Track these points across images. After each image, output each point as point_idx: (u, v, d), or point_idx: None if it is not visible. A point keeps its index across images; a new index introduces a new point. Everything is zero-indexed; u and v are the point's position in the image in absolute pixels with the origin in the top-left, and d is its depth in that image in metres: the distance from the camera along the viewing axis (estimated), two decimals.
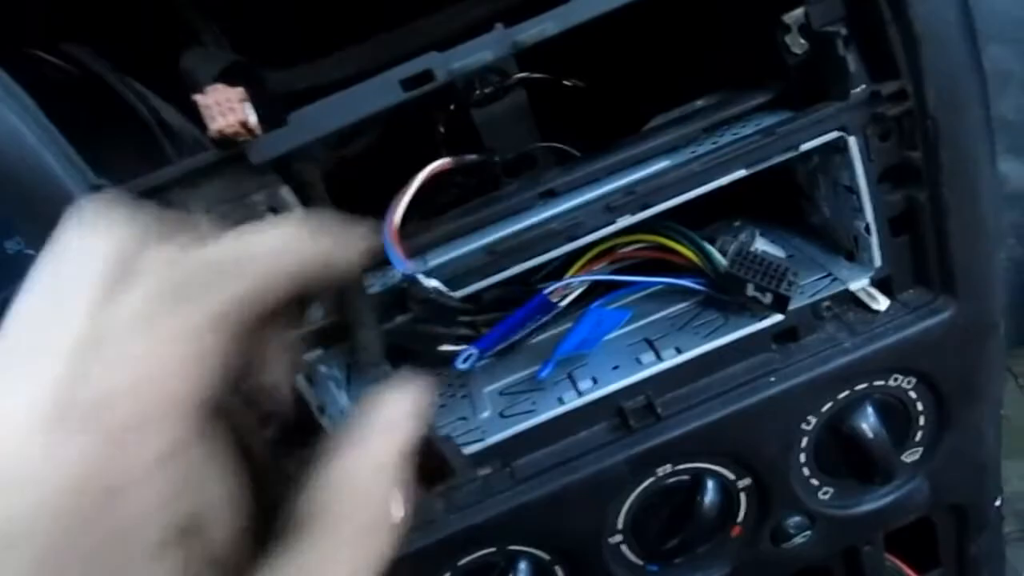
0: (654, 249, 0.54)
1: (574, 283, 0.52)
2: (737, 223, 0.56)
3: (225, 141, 0.40)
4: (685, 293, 0.54)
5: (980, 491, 0.57)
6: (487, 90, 0.65)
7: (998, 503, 0.63)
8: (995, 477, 0.59)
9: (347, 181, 0.49)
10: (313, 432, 0.44)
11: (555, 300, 0.54)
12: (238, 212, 0.43)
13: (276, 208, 0.43)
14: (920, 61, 0.43)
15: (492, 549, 0.51)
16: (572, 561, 0.52)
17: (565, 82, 0.66)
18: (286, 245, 0.28)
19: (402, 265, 0.42)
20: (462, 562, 0.51)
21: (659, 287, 0.55)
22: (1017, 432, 1.32)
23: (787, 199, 0.57)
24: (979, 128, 0.45)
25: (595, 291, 0.56)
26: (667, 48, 0.62)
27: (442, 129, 0.64)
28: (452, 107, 0.64)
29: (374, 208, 0.45)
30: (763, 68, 0.51)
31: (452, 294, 0.44)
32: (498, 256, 0.45)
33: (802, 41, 0.47)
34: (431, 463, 0.36)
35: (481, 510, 0.49)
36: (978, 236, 0.48)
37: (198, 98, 0.39)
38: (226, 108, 0.39)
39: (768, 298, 0.47)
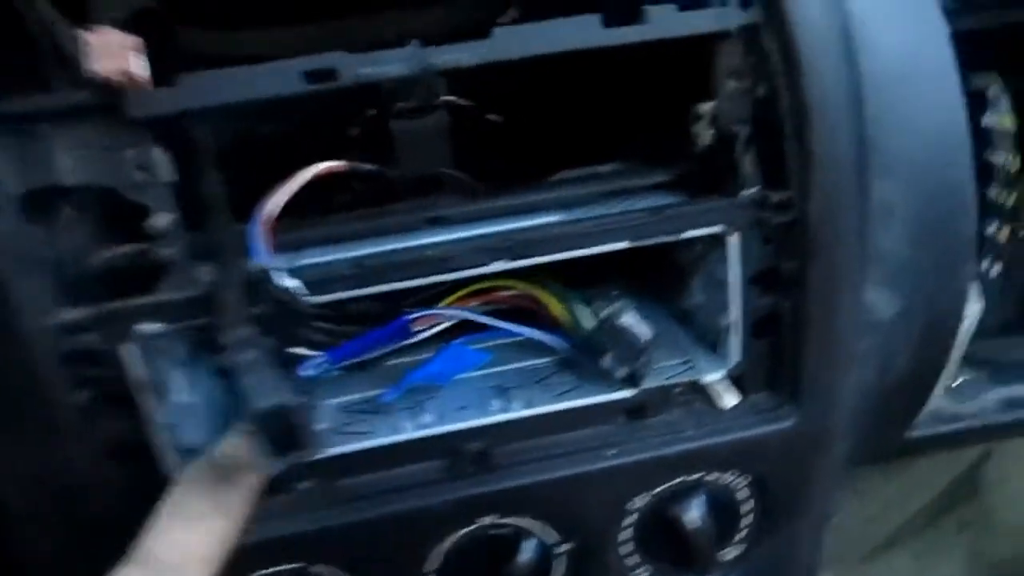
0: (528, 299, 0.54)
1: (440, 314, 0.51)
2: (615, 292, 0.57)
3: (102, 86, 0.37)
4: (549, 349, 0.54)
5: None
6: (411, 104, 0.64)
7: None
8: None
9: (253, 165, 0.47)
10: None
11: (416, 328, 0.53)
12: (105, 162, 0.41)
13: (146, 167, 0.41)
14: (809, 178, 0.44)
15: (295, 567, 0.49)
16: None
17: (489, 116, 0.66)
18: None
19: (260, 256, 0.41)
20: (260, 574, 0.49)
21: (525, 337, 0.55)
22: (850, 545, 1.37)
23: (669, 279, 0.58)
24: (851, 252, 0.47)
25: (464, 328, 0.55)
26: (590, 104, 0.62)
27: (355, 133, 0.63)
28: (371, 114, 0.63)
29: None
30: (672, 149, 0.52)
31: (306, 299, 0.42)
32: (365, 271, 0.44)
33: (710, 132, 0.48)
34: (286, 432, 0.36)
35: (291, 523, 0.47)
36: (831, 353, 0.50)
37: (84, 34, 0.37)
38: (112, 52, 0.37)
39: (622, 372, 0.48)
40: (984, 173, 0.88)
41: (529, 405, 0.49)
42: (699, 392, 0.52)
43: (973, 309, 0.71)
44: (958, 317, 0.60)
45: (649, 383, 0.50)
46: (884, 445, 0.71)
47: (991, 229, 0.90)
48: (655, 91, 0.55)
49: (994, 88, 0.88)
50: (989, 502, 1.39)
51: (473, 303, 0.54)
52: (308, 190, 0.55)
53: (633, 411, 0.50)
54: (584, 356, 0.50)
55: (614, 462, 0.49)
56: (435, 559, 0.50)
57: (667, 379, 0.51)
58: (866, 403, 0.59)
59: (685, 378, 0.51)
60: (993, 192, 0.89)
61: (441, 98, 0.65)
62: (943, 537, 1.38)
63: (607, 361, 0.48)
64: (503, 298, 0.54)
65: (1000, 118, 0.88)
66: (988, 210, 0.88)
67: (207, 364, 0.53)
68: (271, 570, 0.49)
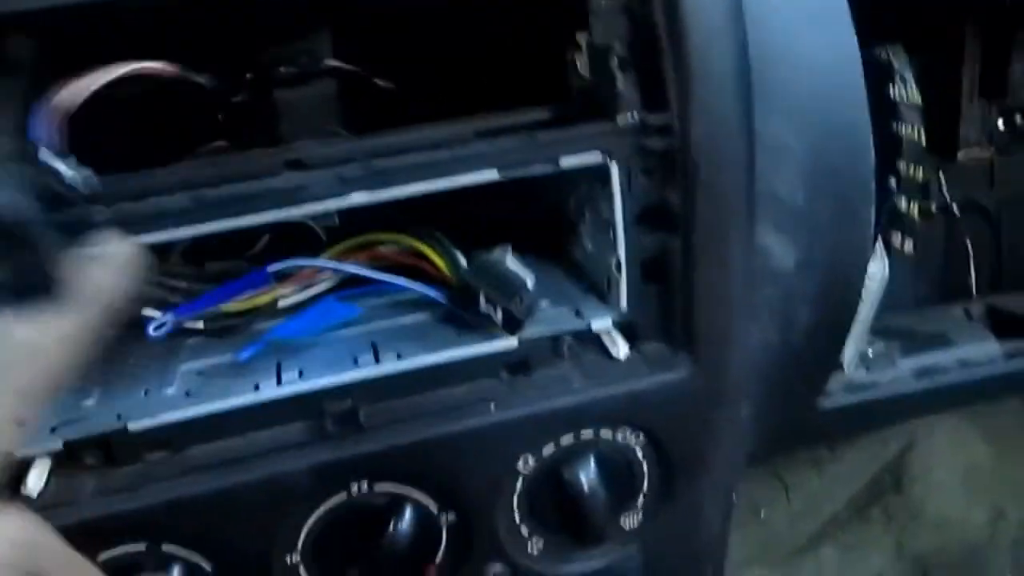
0: (411, 255, 0.50)
1: (305, 266, 0.47)
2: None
3: None
4: (429, 306, 0.50)
5: (695, 568, 0.55)
6: (292, 71, 0.61)
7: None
8: (715, 552, 0.57)
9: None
10: None
11: (285, 289, 0.48)
12: None
13: None
14: (689, 96, 0.41)
15: (142, 547, 0.44)
16: (237, 574, 0.45)
17: (376, 80, 0.62)
18: None
19: (36, 132, 0.35)
20: (105, 555, 0.43)
21: (404, 295, 0.51)
22: (778, 542, 1.35)
23: (560, 233, 0.55)
24: (739, 182, 0.44)
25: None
26: (479, 62, 0.59)
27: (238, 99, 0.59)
28: (249, 77, 0.59)
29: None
30: (552, 89, 0.49)
31: (77, 185, 0.36)
32: (205, 204, 0.39)
33: (588, 64, 0.45)
34: None
35: (135, 497, 0.42)
36: (724, 298, 0.47)
37: None
38: None
39: (499, 315, 0.44)
40: (892, 147, 0.87)
41: (400, 358, 0.45)
42: (587, 344, 0.48)
43: (878, 268, 0.69)
44: (861, 268, 0.58)
45: (533, 332, 0.46)
46: (797, 414, 0.68)
47: (902, 204, 0.89)
48: (537, 31, 0.52)
49: (900, 60, 0.87)
50: (913, 493, 1.39)
51: (352, 260, 0.50)
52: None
53: (515, 364, 0.47)
54: (463, 304, 0.46)
55: (495, 418, 0.45)
56: (302, 537, 0.46)
57: (552, 327, 0.47)
58: (771, 362, 0.56)
59: (572, 326, 0.47)
60: (903, 166, 0.88)
61: (325, 63, 0.61)
62: (870, 529, 1.37)
63: (484, 304, 0.44)
64: (384, 254, 0.51)
65: (907, 91, 0.88)
66: (899, 185, 0.88)
67: None
68: (116, 551, 0.43)
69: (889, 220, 0.79)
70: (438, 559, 0.49)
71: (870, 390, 0.76)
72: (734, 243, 0.46)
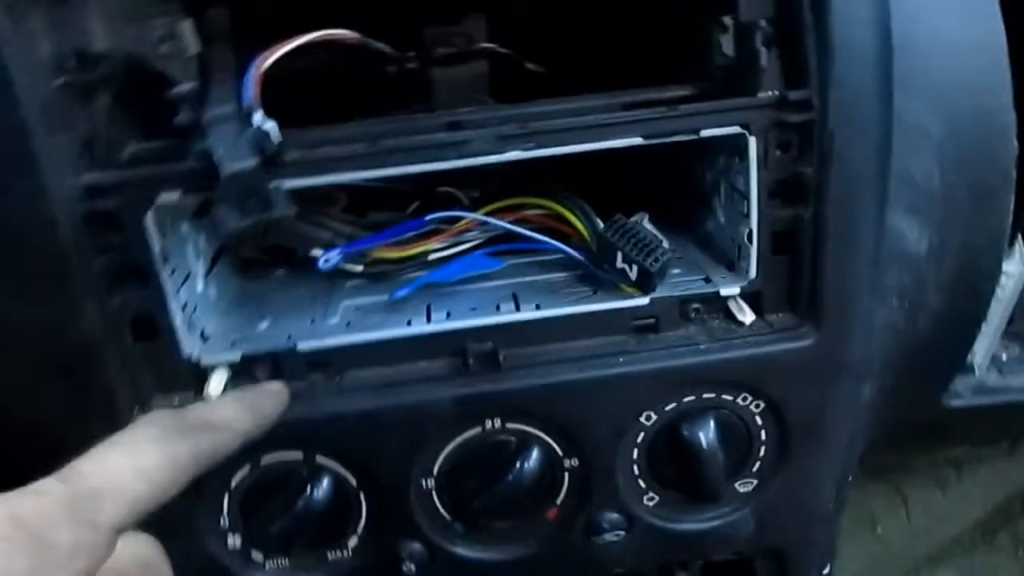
0: (554, 219, 0.54)
1: (459, 216, 0.52)
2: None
3: None
4: (568, 267, 0.54)
5: (806, 543, 0.56)
6: (450, 51, 0.66)
7: (826, 571, 0.62)
8: (826, 536, 0.58)
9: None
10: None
11: (438, 242, 0.53)
12: (133, 30, 0.42)
13: (172, 37, 0.43)
14: (830, 71, 0.43)
15: (299, 455, 0.49)
16: (378, 492, 0.50)
17: (528, 65, 0.67)
18: None
19: (247, 97, 0.41)
20: (265, 459, 0.49)
21: (545, 255, 0.55)
22: (893, 559, 1.32)
23: (693, 206, 0.58)
24: (873, 161, 0.46)
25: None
26: (621, 48, 0.63)
27: (392, 70, 0.64)
28: (412, 55, 0.64)
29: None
30: (697, 67, 0.52)
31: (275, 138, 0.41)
32: (378, 151, 0.44)
33: (732, 40, 0.48)
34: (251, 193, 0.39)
35: (298, 408, 0.47)
36: (852, 272, 0.48)
37: None
38: None
39: (634, 272, 0.47)
40: None
41: (539, 308, 0.49)
42: (715, 310, 0.51)
43: (1017, 267, 0.68)
44: (996, 258, 0.57)
45: (663, 292, 0.49)
46: (922, 406, 0.68)
47: None
48: (681, 16, 0.55)
49: None
50: None
51: (501, 219, 0.54)
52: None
53: (645, 322, 0.50)
54: (601, 261, 0.49)
55: (622, 370, 0.48)
56: (438, 463, 0.50)
57: (682, 291, 0.50)
58: (898, 348, 0.57)
59: (701, 290, 0.50)
60: None
61: (480, 45, 0.66)
62: (995, 555, 1.32)
63: (620, 261, 0.47)
64: (529, 216, 0.54)
65: None
66: None
67: (229, 264, 0.55)
68: (276, 456, 0.49)
69: None
70: (560, 500, 0.52)
71: (1001, 394, 0.74)
72: (864, 220, 0.48)
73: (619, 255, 0.47)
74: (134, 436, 0.35)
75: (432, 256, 0.55)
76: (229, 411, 0.41)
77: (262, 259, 0.60)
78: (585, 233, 0.52)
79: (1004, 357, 0.77)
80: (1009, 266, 0.67)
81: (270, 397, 0.44)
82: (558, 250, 0.51)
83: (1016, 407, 0.75)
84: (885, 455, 1.31)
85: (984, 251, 0.56)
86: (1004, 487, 1.32)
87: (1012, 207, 0.58)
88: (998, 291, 0.68)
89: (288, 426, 0.47)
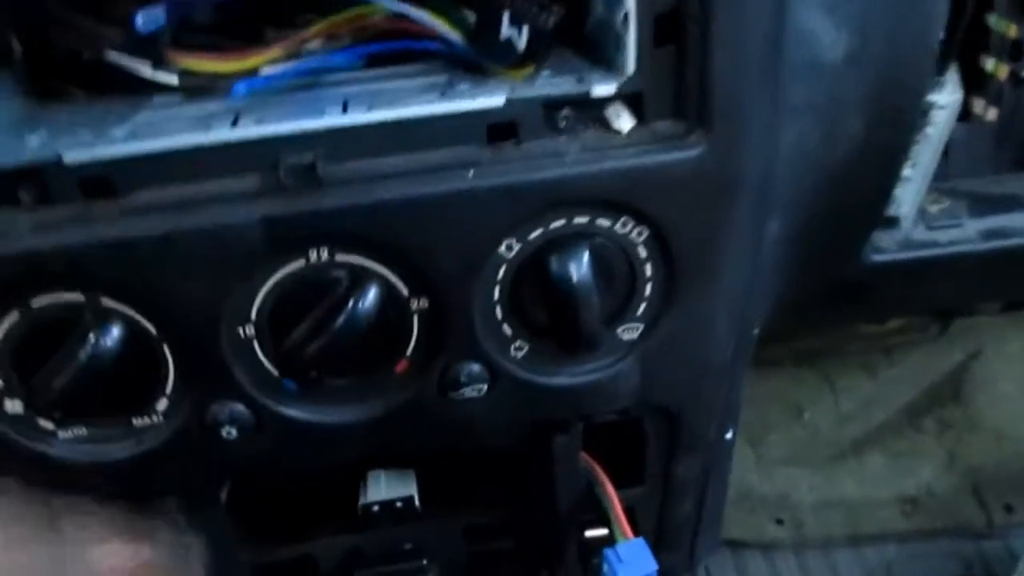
0: (402, 20, 0.44)
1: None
2: None
3: None
4: (428, 72, 0.44)
5: (699, 400, 0.50)
6: None
7: (729, 435, 0.56)
8: (723, 392, 0.51)
9: None
10: None
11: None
12: None
13: None
14: None
15: (79, 296, 0.40)
16: (185, 342, 0.42)
17: None
18: None
19: None
20: (37, 302, 0.40)
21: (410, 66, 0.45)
22: (821, 444, 1.28)
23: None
24: None
25: None
26: None
27: None
28: None
29: None
30: None
31: None
32: None
33: None
34: None
35: (71, 235, 0.38)
36: (747, 64, 0.40)
37: None
38: None
39: (523, 38, 0.38)
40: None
41: (370, 111, 0.39)
42: (588, 118, 0.42)
43: (950, 97, 0.61)
44: (922, 72, 0.50)
45: (524, 93, 0.40)
46: (841, 260, 0.61)
47: (989, 65, 0.79)
48: None
49: None
50: (974, 404, 1.30)
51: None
52: None
53: (502, 127, 0.41)
54: (478, 35, 0.40)
55: (473, 184, 0.40)
56: (256, 302, 0.41)
57: (547, 92, 0.41)
58: (814, 180, 0.49)
59: (569, 90, 0.41)
60: (992, 20, 0.77)
61: None
62: (922, 439, 1.30)
63: (506, 26, 0.38)
64: (373, 23, 0.45)
65: None
66: (987, 43, 0.77)
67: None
68: (52, 298, 0.40)
69: (972, 82, 0.69)
70: (408, 351, 0.44)
71: (928, 248, 0.68)
72: (763, 5, 0.39)
73: (506, 18, 0.38)
74: None
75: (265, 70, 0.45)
76: None
77: (56, 78, 0.49)
78: (445, 24, 0.42)
79: (932, 210, 0.70)
80: (940, 97, 0.59)
81: None
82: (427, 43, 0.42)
83: (943, 264, 0.69)
84: (813, 340, 1.27)
85: (910, 61, 0.48)
86: (933, 372, 1.29)
87: (945, 13, 0.50)
88: (928, 128, 0.60)
89: (61, 259, 0.38)
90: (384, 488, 0.57)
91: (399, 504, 0.56)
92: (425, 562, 0.54)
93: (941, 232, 0.69)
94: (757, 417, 1.25)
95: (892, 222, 0.67)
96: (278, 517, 0.59)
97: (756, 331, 0.54)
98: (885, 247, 0.66)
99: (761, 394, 1.25)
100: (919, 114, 0.53)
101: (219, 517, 0.52)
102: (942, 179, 0.70)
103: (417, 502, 0.57)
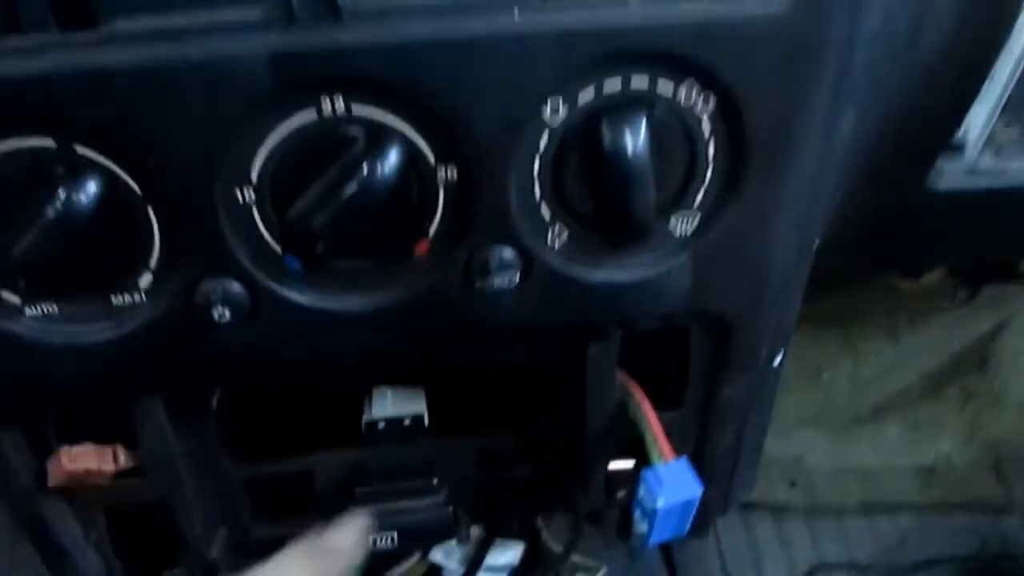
0: None
1: None
2: None
3: None
4: None
5: (752, 311, 0.44)
6: None
7: (778, 360, 0.50)
8: (782, 309, 0.45)
9: None
10: None
11: None
12: None
13: None
14: None
15: (48, 141, 0.34)
16: (173, 205, 0.36)
17: None
18: None
19: None
20: (4, 147, 0.34)
21: None
22: (838, 408, 1.23)
23: None
24: None
25: None
26: None
27: None
28: None
29: None
30: None
31: None
32: None
33: None
34: None
35: (40, 63, 0.32)
36: None
37: None
38: None
39: None
40: None
41: None
42: None
43: None
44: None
45: None
46: (904, 186, 0.56)
47: None
48: None
49: None
50: (999, 375, 1.25)
51: None
52: None
53: None
54: None
55: (518, 27, 0.34)
56: (257, 159, 0.35)
57: None
58: (892, 69, 0.43)
59: None
60: None
61: None
62: (943, 408, 1.25)
63: None
64: None
65: None
66: None
67: None
68: (18, 143, 0.34)
69: None
70: (431, 229, 0.38)
71: (995, 177, 0.62)
72: None
73: None
74: (283, 564, 0.41)
75: None
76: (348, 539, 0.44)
77: None
78: None
79: (1003, 138, 0.64)
80: None
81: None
82: None
83: (1010, 198, 0.63)
84: (835, 301, 1.21)
85: None
86: (959, 340, 1.24)
87: None
88: (1010, 41, 0.54)
89: (29, 91, 0.32)
90: (391, 405, 0.52)
91: (407, 422, 0.51)
92: (436, 481, 0.48)
93: (1010, 161, 0.63)
94: None
95: (958, 149, 0.61)
96: (273, 435, 0.53)
97: (816, 243, 0.48)
98: (950, 174, 0.60)
99: None
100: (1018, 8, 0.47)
101: (207, 425, 0.47)
102: (1016, 107, 0.64)
103: (427, 421, 0.51)
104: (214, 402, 0.51)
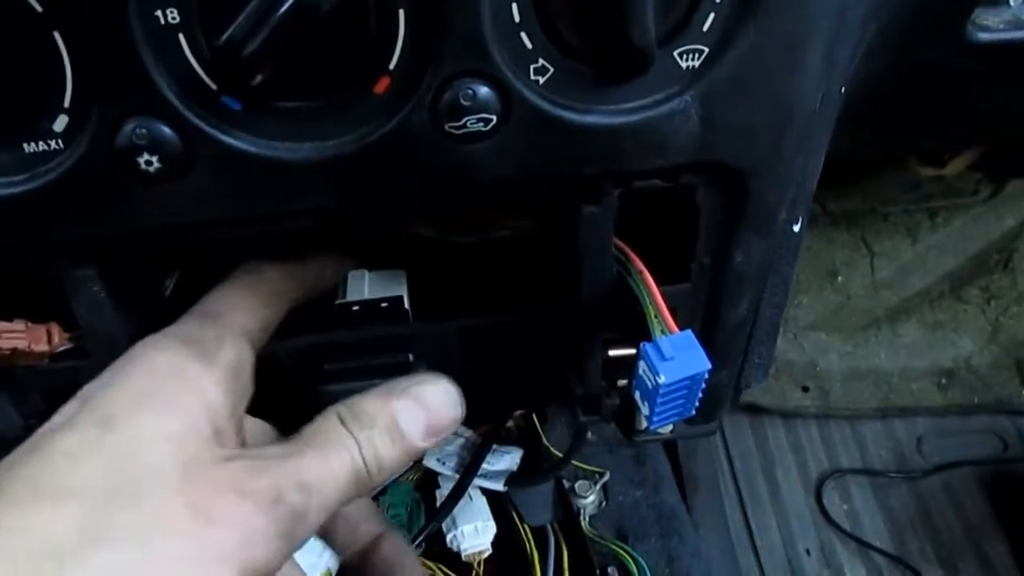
0: None
1: None
2: None
3: None
4: None
5: (772, 159, 0.38)
6: None
7: (798, 226, 0.44)
8: (800, 158, 0.39)
9: None
10: None
11: None
12: None
13: None
14: None
15: None
16: (81, 29, 0.30)
17: None
18: None
19: None
20: None
21: None
22: (854, 311, 1.18)
23: None
24: None
25: None
26: None
27: None
28: None
29: None
30: None
31: None
32: None
33: None
34: None
35: None
36: None
37: None
38: None
39: None
40: None
41: None
42: None
43: None
44: None
45: None
46: (942, 29, 0.49)
47: None
48: None
49: None
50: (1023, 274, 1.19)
51: None
52: None
53: None
54: None
55: None
56: None
57: None
58: None
59: None
60: None
61: None
62: (963, 309, 1.19)
63: None
64: None
65: None
66: None
67: None
68: None
69: None
70: (392, 62, 0.32)
71: None
72: None
73: None
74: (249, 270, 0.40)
75: None
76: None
77: None
78: None
79: None
80: None
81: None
82: None
83: None
84: (851, 198, 1.15)
85: None
86: (981, 238, 1.18)
87: None
88: None
89: None
90: (367, 288, 0.47)
91: (384, 305, 0.46)
92: (412, 357, 0.43)
93: None
94: None
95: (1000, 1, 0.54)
96: None
97: (843, 90, 0.42)
98: (991, 25, 0.53)
99: None
100: None
101: (159, 310, 0.42)
102: None
103: (407, 303, 0.46)
104: (168, 286, 0.46)
